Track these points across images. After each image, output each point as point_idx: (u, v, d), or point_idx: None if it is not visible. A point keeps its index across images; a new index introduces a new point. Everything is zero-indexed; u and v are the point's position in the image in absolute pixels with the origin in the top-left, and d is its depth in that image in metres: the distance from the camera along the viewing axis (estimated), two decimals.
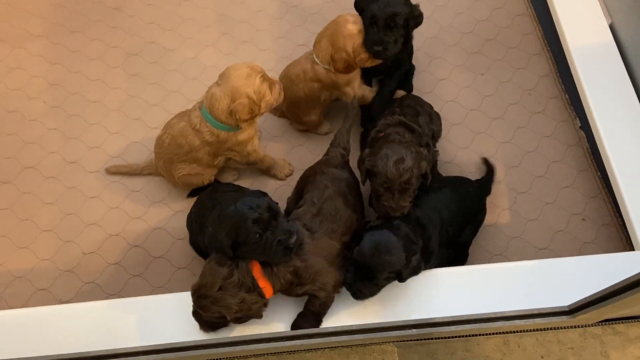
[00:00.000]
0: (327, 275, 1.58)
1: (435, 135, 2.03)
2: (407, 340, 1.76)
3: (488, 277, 1.73)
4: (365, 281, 1.54)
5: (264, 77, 1.81)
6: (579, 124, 2.24)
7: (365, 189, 1.83)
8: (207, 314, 1.52)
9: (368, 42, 1.89)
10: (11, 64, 2.46)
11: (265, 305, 1.55)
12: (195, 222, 1.88)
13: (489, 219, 2.05)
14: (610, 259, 1.76)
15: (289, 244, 1.49)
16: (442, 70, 2.38)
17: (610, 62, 2.15)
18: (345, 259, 1.62)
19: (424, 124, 1.89)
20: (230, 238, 1.48)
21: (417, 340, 1.76)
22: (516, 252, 2.01)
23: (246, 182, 2.14)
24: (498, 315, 1.57)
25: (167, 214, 2.11)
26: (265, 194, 1.58)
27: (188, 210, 1.98)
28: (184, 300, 1.58)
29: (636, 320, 1.79)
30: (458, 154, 2.20)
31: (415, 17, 1.93)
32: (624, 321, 1.79)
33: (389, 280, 1.56)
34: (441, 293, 1.69)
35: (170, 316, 1.64)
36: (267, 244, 1.48)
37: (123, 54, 2.48)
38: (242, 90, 1.77)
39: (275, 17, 2.56)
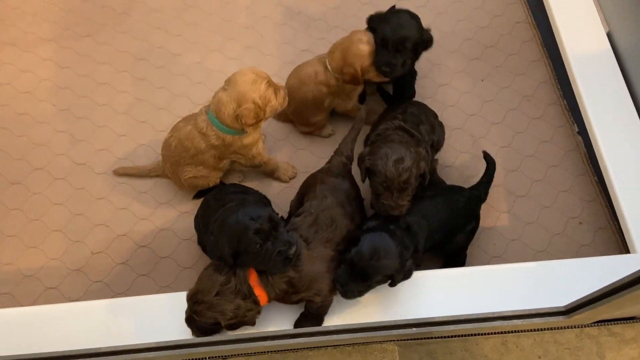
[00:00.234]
0: (322, 282, 1.61)
1: (435, 146, 2.03)
2: (408, 340, 1.79)
3: (487, 278, 1.76)
4: (358, 282, 1.55)
5: (269, 83, 1.86)
6: (577, 130, 2.27)
7: (367, 190, 1.87)
8: (201, 320, 1.55)
9: (377, 62, 1.95)
10: (21, 67, 2.51)
11: (259, 312, 1.59)
12: (201, 223, 1.91)
13: (488, 221, 2.09)
14: (606, 261, 1.80)
15: (289, 254, 1.52)
16: (443, 76, 2.42)
17: (608, 69, 2.19)
18: (340, 253, 1.63)
19: (425, 133, 1.90)
20: (231, 247, 1.52)
21: (418, 339, 1.79)
22: (515, 254, 2.04)
23: (251, 185, 2.17)
24: (496, 315, 1.60)
25: (173, 215, 2.15)
26: (266, 205, 1.62)
27: (194, 212, 2.02)
28: None
29: (632, 321, 1.82)
30: (458, 157, 2.24)
31: (424, 42, 1.97)
32: (619, 322, 1.82)
33: (380, 283, 1.59)
34: (441, 293, 1.73)
35: (176, 314, 1.67)
36: (267, 254, 1.51)
37: (131, 59, 2.52)
38: (248, 96, 1.81)
39: (279, 23, 2.60)
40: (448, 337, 1.81)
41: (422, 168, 1.73)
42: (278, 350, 1.72)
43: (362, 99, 2.24)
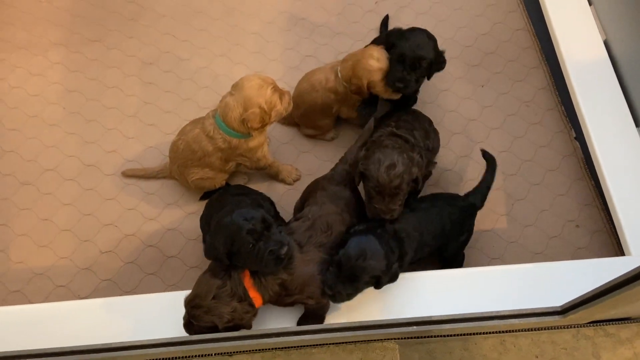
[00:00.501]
0: (314, 284, 1.63)
1: (430, 152, 2.03)
2: (408, 338, 1.82)
3: (486, 279, 1.80)
4: (345, 283, 1.57)
5: (275, 88, 1.90)
6: (574, 135, 2.30)
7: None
8: (199, 324, 1.58)
9: (391, 77, 1.97)
10: (32, 71, 2.55)
11: (255, 315, 1.63)
12: (206, 223, 1.95)
13: (487, 224, 2.13)
14: (601, 263, 1.84)
15: (280, 254, 1.56)
16: (443, 82, 2.46)
17: (604, 77, 2.22)
18: (329, 254, 1.66)
19: (419, 138, 1.92)
20: (226, 247, 1.56)
21: (418, 338, 1.81)
22: (513, 256, 2.07)
23: (255, 187, 2.19)
24: (494, 314, 1.63)
25: (180, 216, 2.19)
26: (261, 207, 1.66)
27: (200, 212, 2.05)
28: None
29: (627, 322, 1.84)
30: (458, 162, 2.28)
31: (438, 64, 2.01)
32: (615, 323, 1.84)
33: (367, 285, 1.61)
34: (441, 294, 1.76)
35: (183, 312, 1.67)
36: (259, 254, 1.55)
37: (139, 63, 2.57)
38: (254, 101, 1.85)
39: (284, 29, 2.64)
40: (447, 336, 1.83)
41: (415, 174, 1.74)
42: (282, 348, 1.75)
43: (372, 110, 2.25)
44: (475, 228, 2.08)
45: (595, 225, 2.13)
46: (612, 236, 2.09)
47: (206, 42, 2.62)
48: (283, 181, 2.23)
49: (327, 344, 1.75)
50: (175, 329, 1.69)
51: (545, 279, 1.79)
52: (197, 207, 2.19)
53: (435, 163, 2.14)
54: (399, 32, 2.03)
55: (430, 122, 2.11)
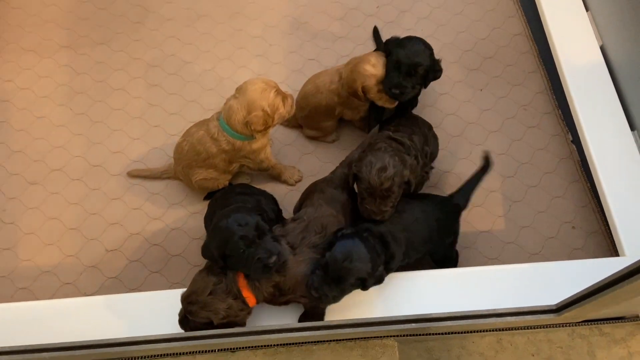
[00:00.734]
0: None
1: (429, 157, 2.04)
2: (407, 336, 1.85)
3: (483, 278, 1.83)
4: (332, 285, 1.59)
5: (278, 92, 1.93)
6: (571, 138, 2.33)
7: None
8: (195, 320, 1.61)
9: (387, 84, 2.00)
10: (40, 73, 2.58)
11: (249, 313, 1.66)
12: (209, 221, 1.98)
13: (485, 225, 2.15)
14: (597, 263, 1.87)
15: (268, 262, 1.59)
16: (443, 86, 2.48)
17: (600, 81, 2.25)
18: (322, 255, 1.67)
19: (417, 142, 1.93)
20: (220, 250, 1.61)
21: (416, 335, 1.84)
22: (510, 256, 2.10)
23: (258, 187, 2.25)
24: (491, 312, 1.65)
25: (184, 215, 2.22)
26: (261, 210, 1.71)
27: (204, 212, 2.07)
28: None
29: (621, 321, 1.86)
30: (457, 164, 2.30)
31: (434, 72, 2.04)
32: (609, 322, 1.86)
33: (353, 287, 1.62)
34: (439, 293, 1.79)
35: None
36: (248, 260, 1.59)
37: (144, 65, 2.59)
38: (257, 104, 1.89)
39: (286, 33, 2.67)
40: (445, 334, 1.86)
41: (406, 176, 1.76)
42: (283, 344, 1.78)
43: (379, 116, 2.27)
44: (473, 229, 2.13)
45: (591, 227, 2.15)
46: (607, 237, 2.11)
47: (210, 45, 2.65)
48: (285, 182, 2.27)
49: (327, 341, 1.78)
50: (179, 326, 1.72)
51: (542, 279, 1.82)
52: (201, 207, 2.22)
53: (433, 168, 2.16)
54: (396, 40, 2.06)
55: (430, 127, 2.12)
